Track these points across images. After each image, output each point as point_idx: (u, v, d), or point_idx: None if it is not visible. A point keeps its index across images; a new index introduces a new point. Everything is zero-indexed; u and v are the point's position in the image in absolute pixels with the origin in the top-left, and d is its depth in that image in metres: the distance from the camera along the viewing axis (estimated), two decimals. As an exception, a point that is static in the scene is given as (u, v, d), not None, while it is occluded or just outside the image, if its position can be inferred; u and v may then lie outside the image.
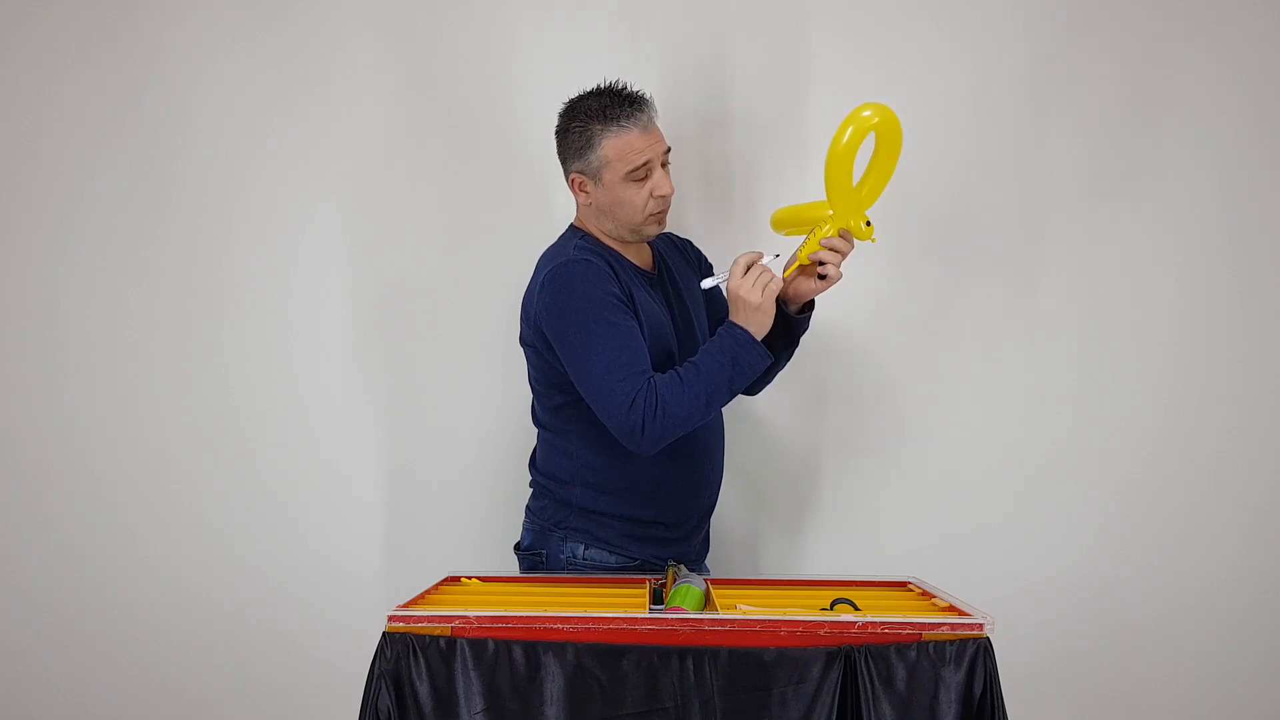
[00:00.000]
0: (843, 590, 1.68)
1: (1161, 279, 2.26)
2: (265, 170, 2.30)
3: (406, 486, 2.35)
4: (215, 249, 2.32)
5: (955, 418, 2.30)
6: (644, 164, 1.75)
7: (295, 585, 2.35)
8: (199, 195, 2.31)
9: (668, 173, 1.81)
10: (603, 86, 1.78)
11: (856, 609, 1.51)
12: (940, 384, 2.30)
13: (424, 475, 2.35)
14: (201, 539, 2.36)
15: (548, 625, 1.40)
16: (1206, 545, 2.29)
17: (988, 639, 1.41)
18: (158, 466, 2.35)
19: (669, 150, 1.81)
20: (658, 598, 1.64)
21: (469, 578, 1.76)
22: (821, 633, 1.39)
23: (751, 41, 2.25)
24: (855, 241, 1.75)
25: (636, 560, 1.85)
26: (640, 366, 1.67)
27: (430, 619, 1.41)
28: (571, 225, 1.91)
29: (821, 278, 1.76)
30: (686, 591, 1.59)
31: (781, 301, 1.80)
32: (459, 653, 1.39)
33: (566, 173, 1.84)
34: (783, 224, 1.89)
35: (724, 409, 1.85)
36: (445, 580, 1.75)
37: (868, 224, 1.72)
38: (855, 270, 1.87)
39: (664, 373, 1.69)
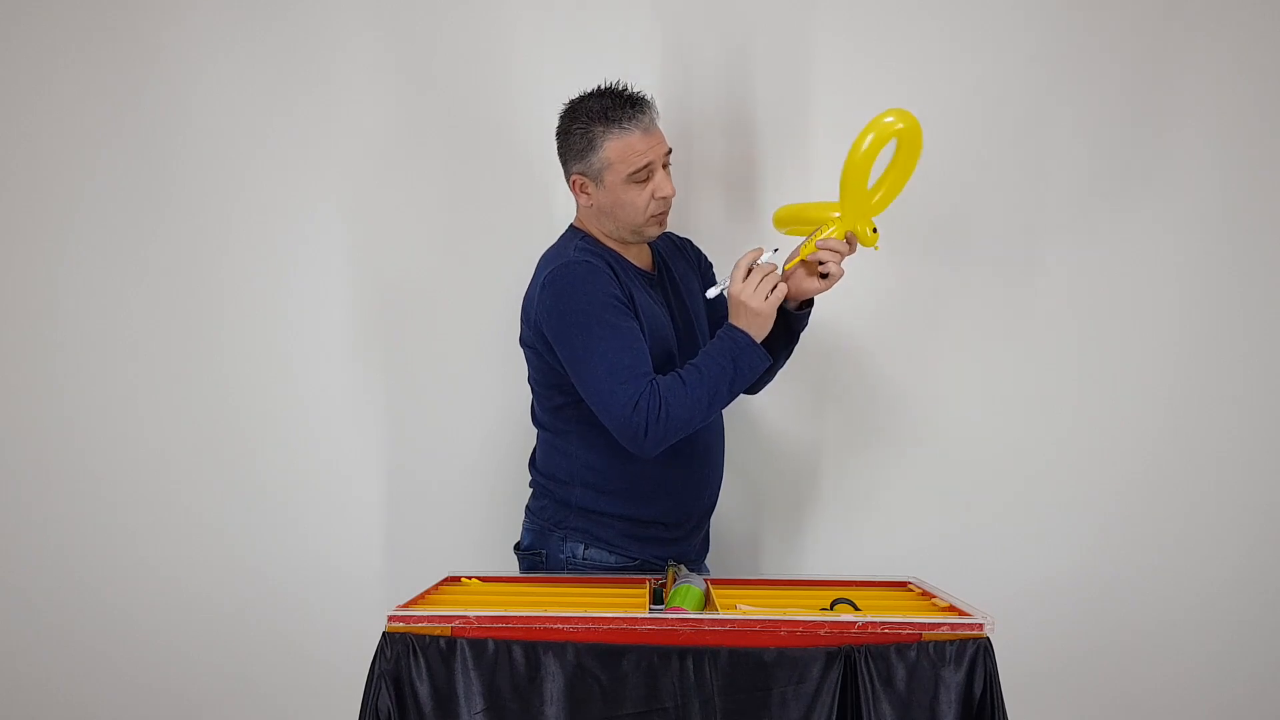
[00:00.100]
0: (843, 590, 1.68)
1: (1161, 279, 2.26)
2: (265, 170, 2.30)
3: (406, 486, 2.35)
4: (215, 249, 2.32)
5: (955, 418, 2.30)
6: (645, 166, 1.75)
7: (295, 585, 2.35)
8: (199, 195, 2.31)
9: (669, 174, 1.81)
10: (604, 87, 1.77)
11: (856, 609, 1.51)
12: (940, 384, 2.30)
13: (424, 475, 2.35)
14: (201, 539, 2.36)
15: (548, 625, 1.40)
16: (1206, 545, 2.30)
17: (988, 639, 1.41)
18: (158, 466, 2.35)
19: (670, 151, 1.80)
20: (658, 598, 1.63)
21: (469, 578, 1.76)
22: (821, 633, 1.39)
23: (752, 41, 2.25)
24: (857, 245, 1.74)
25: (636, 560, 1.84)
26: (642, 369, 1.67)
27: (430, 619, 1.41)
28: (572, 226, 1.90)
29: (824, 276, 1.75)
30: (686, 591, 1.58)
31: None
32: (459, 653, 1.39)
33: (567, 174, 1.83)
34: (785, 222, 1.87)
35: (724, 409, 1.84)
36: (445, 580, 1.75)
37: (874, 230, 1.71)
38: (855, 270, 1.86)
39: (666, 374, 1.69)
